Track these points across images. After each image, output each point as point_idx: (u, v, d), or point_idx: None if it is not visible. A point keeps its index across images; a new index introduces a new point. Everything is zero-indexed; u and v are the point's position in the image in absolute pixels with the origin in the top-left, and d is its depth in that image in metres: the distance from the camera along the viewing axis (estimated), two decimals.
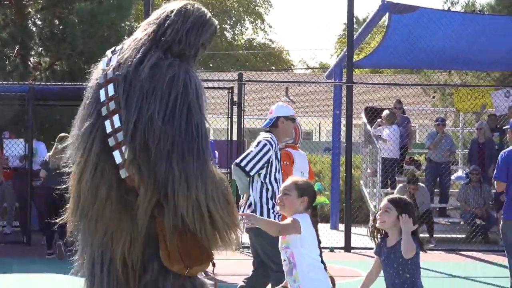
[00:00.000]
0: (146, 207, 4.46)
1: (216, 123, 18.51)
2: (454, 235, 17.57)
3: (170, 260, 4.43)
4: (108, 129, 4.50)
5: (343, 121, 16.09)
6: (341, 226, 17.37)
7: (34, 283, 11.63)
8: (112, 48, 4.83)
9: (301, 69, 63.52)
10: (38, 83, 18.14)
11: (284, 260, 5.62)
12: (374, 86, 19.57)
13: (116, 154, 4.49)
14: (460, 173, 19.46)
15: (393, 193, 16.71)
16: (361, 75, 31.40)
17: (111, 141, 4.50)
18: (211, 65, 51.96)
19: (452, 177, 18.96)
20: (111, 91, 4.54)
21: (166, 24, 4.74)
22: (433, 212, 17.24)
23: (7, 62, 21.68)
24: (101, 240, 4.56)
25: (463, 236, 17.18)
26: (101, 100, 4.56)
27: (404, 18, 17.39)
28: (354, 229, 15.83)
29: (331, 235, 16.19)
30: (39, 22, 22.63)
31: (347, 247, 15.25)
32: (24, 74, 21.02)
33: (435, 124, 18.62)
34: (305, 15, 70.21)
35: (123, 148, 4.47)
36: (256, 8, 59.10)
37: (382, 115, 18.28)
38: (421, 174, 18.70)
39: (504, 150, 9.12)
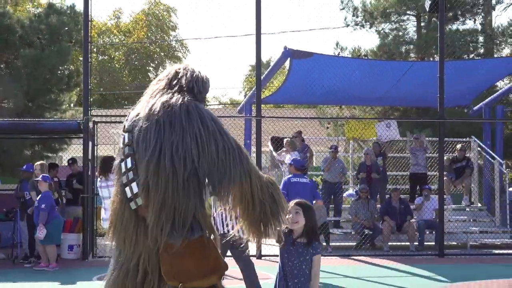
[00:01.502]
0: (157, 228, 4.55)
1: None
2: (346, 243, 17.65)
3: (165, 277, 4.51)
4: (123, 169, 4.67)
5: (253, 149, 16.24)
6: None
7: None
8: (124, 126, 4.90)
9: (215, 104, 63.64)
10: None
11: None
12: (279, 119, 19.79)
13: (127, 189, 4.65)
14: (350, 191, 19.73)
15: None
16: (267, 109, 31.75)
17: (124, 179, 4.66)
18: (136, 101, 51.29)
19: (344, 194, 19.21)
20: (128, 165, 4.66)
21: (178, 76, 4.91)
22: (329, 224, 17.37)
23: None
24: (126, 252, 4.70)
25: (354, 243, 17.34)
26: (120, 146, 4.77)
27: (302, 63, 17.50)
28: (263, 240, 15.88)
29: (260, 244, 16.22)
30: None
31: (259, 255, 15.23)
32: None
33: (329, 151, 18.86)
34: (217, 58, 70.51)
35: (132, 185, 4.60)
36: (176, 52, 58.99)
37: (284, 143, 18.49)
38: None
39: None
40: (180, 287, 4.47)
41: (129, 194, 4.64)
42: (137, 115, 4.78)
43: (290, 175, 12.32)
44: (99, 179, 10.88)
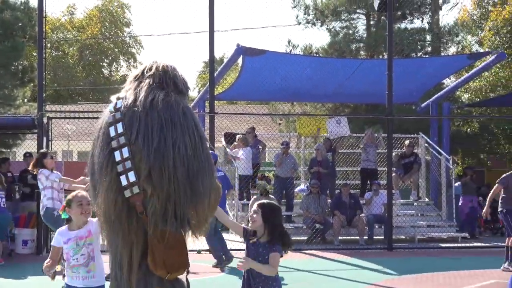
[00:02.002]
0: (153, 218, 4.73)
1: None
2: (298, 237, 17.53)
3: (155, 266, 4.69)
4: (118, 158, 4.70)
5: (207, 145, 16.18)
6: None
7: None
8: (117, 95, 5.00)
9: None
10: None
11: (83, 255, 5.79)
12: (231, 115, 19.77)
13: (123, 178, 4.70)
14: (302, 186, 19.81)
15: (247, 204, 17.03)
16: (220, 105, 31.70)
17: (120, 167, 4.70)
18: (90, 97, 51.14)
19: (296, 189, 19.26)
20: (120, 129, 4.75)
21: (161, 73, 5.05)
22: None
23: None
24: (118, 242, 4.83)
25: (305, 238, 17.35)
26: (111, 135, 4.76)
27: (254, 60, 17.57)
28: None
29: (197, 241, 16.23)
30: None
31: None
32: None
33: (281, 147, 18.88)
34: (171, 54, 70.31)
35: (129, 173, 4.67)
36: (129, 48, 58.66)
37: (236, 139, 18.51)
38: (270, 188, 18.76)
39: None
40: (168, 277, 4.75)
41: (124, 182, 4.69)
42: (129, 105, 4.86)
43: None
44: (45, 170, 11.40)
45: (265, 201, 5.86)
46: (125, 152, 4.73)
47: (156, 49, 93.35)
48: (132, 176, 4.70)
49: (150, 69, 5.11)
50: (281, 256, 5.66)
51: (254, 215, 5.67)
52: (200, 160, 4.78)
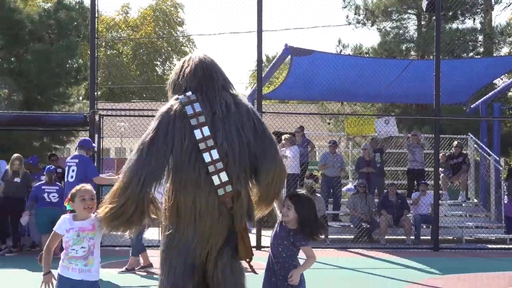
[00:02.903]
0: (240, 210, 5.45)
1: None
2: (344, 236, 17.83)
3: (246, 252, 5.52)
4: (207, 159, 5.25)
5: None
6: (253, 230, 17.69)
7: None
8: (186, 96, 5.50)
9: None
10: (1, 111, 18.10)
11: (83, 247, 5.72)
12: (280, 114, 19.85)
13: (215, 178, 5.27)
14: (349, 185, 19.87)
15: None
16: (271, 104, 31.85)
17: (211, 168, 5.26)
18: (144, 95, 51.73)
19: (343, 189, 19.37)
20: (206, 132, 5.30)
21: (215, 72, 5.69)
22: (327, 217, 17.53)
23: None
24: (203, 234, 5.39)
25: (352, 236, 17.48)
26: (197, 138, 5.29)
27: (302, 60, 17.73)
28: (264, 232, 15.93)
29: None
30: None
31: (258, 246, 15.55)
32: None
33: (328, 146, 18.93)
34: (223, 53, 70.68)
35: (220, 174, 5.26)
36: (183, 47, 59.16)
37: (283, 138, 18.55)
38: (318, 186, 18.83)
39: None
40: (248, 261, 5.56)
41: (217, 182, 5.28)
42: (207, 110, 5.45)
43: None
44: None
45: (297, 193, 5.93)
46: (215, 154, 5.30)
47: (208, 48, 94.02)
48: (224, 176, 5.28)
49: (202, 69, 5.65)
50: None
51: (287, 211, 5.77)
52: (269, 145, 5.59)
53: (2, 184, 14.79)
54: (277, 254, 5.78)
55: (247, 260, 5.54)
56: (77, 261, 5.74)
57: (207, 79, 5.62)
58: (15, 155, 15.14)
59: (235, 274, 5.48)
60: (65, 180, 12.35)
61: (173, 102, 5.51)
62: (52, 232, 5.81)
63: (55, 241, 5.81)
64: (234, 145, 5.37)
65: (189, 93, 5.48)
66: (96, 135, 15.58)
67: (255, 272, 5.57)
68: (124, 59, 55.33)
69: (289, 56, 17.80)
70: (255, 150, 5.47)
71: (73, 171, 12.09)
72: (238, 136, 5.42)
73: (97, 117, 15.64)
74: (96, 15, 15.89)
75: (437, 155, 16.95)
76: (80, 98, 31.31)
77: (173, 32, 58.49)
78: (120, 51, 55.95)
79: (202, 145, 5.27)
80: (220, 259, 5.43)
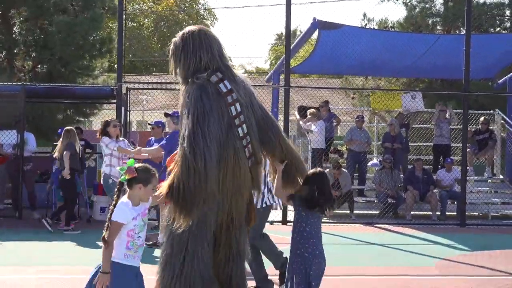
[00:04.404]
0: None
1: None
2: (370, 211, 17.83)
3: (253, 219, 6.07)
4: (241, 133, 5.65)
5: (281, 117, 16.25)
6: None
7: (26, 248, 11.87)
8: (216, 76, 5.76)
9: (241, 73, 63.44)
10: (29, 83, 18.09)
11: (143, 233, 5.45)
12: (305, 89, 19.73)
13: (246, 150, 5.72)
14: (375, 160, 19.80)
15: None
16: (294, 78, 31.76)
17: (244, 142, 5.68)
18: (164, 67, 51.54)
19: (369, 164, 19.28)
20: (238, 108, 5.65)
21: (223, 48, 6.00)
22: (353, 192, 17.53)
23: None
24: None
25: (377, 212, 17.45)
26: (233, 114, 5.64)
27: (330, 34, 17.62)
28: (289, 207, 16.02)
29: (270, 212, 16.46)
30: (23, 32, 22.59)
31: (284, 221, 15.58)
32: (10, 75, 21.07)
33: (355, 120, 18.94)
34: (243, 26, 70.44)
35: (249, 146, 5.70)
36: (204, 20, 59.00)
37: (308, 112, 18.49)
38: (343, 161, 18.83)
39: None
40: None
41: (247, 154, 5.73)
42: (235, 93, 5.77)
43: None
44: (106, 138, 12.31)
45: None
46: (245, 128, 5.67)
47: (229, 21, 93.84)
48: (250, 149, 5.74)
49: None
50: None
51: None
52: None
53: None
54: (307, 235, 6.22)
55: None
56: (140, 249, 5.44)
57: (222, 56, 5.88)
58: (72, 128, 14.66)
59: (245, 242, 6.02)
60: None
61: (200, 81, 5.67)
62: (113, 223, 5.31)
63: (117, 232, 5.32)
64: (251, 121, 5.77)
65: (218, 73, 5.73)
66: (123, 108, 15.60)
67: None
68: (145, 32, 55.28)
69: (317, 30, 17.70)
70: (263, 123, 5.91)
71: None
72: (253, 112, 5.83)
73: (124, 90, 15.65)
74: None
75: (465, 132, 16.85)
76: (103, 71, 31.31)
77: (194, 6, 58.33)
78: (142, 23, 55.88)
79: (236, 121, 5.59)
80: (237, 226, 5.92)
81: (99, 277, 5.24)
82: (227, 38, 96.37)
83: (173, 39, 6.01)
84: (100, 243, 5.36)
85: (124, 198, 5.44)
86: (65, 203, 13.90)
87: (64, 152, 13.37)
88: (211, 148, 5.36)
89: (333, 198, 6.28)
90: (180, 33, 6.00)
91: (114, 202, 5.38)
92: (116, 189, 5.47)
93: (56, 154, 13.82)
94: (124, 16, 15.94)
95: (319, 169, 6.26)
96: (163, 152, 11.58)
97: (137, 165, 5.45)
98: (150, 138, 13.62)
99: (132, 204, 5.39)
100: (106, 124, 12.45)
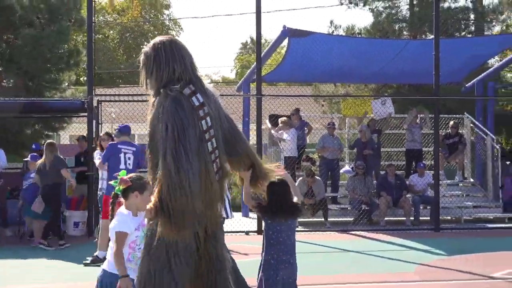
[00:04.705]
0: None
1: (141, 130, 18.88)
2: (344, 219, 17.85)
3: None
4: (210, 148, 5.48)
5: (252, 127, 16.17)
6: (252, 214, 17.65)
7: None
8: (189, 88, 5.55)
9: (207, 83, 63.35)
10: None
11: (140, 248, 5.42)
12: (272, 97, 19.66)
13: (214, 165, 5.55)
14: (347, 167, 19.83)
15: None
16: (264, 87, 31.74)
17: (213, 156, 5.51)
18: (130, 79, 51.42)
19: (341, 170, 19.23)
20: (209, 122, 5.48)
21: (193, 58, 5.78)
22: (327, 200, 17.51)
23: None
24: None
25: (352, 219, 17.47)
26: (204, 128, 5.44)
27: (300, 41, 17.63)
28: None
29: (244, 222, 16.40)
30: None
31: (259, 231, 15.26)
32: None
33: (327, 127, 18.93)
34: (208, 36, 70.44)
35: (217, 160, 5.55)
36: (169, 31, 58.87)
37: (280, 121, 18.42)
38: (315, 169, 18.73)
39: None
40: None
41: (215, 168, 5.52)
42: (205, 102, 5.59)
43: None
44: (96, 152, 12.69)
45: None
46: (214, 143, 5.51)
47: (194, 31, 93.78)
48: (218, 163, 5.58)
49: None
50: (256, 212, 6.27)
51: None
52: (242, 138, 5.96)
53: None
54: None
55: None
56: (140, 261, 5.34)
57: (193, 67, 5.69)
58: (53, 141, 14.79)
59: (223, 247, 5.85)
60: (121, 166, 12.13)
61: (174, 94, 5.50)
62: (117, 233, 5.36)
63: (123, 243, 5.36)
64: (219, 134, 5.60)
65: (190, 85, 5.55)
66: (94, 121, 15.45)
67: None
68: (111, 44, 54.99)
69: (287, 38, 17.70)
70: (229, 137, 5.76)
71: (129, 158, 12.00)
72: (221, 125, 5.66)
73: (95, 103, 15.50)
74: None
75: (437, 136, 16.97)
76: (70, 84, 31.05)
77: (159, 16, 58.21)
78: (107, 35, 55.60)
79: (207, 135, 5.44)
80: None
81: (121, 282, 5.24)
82: (192, 48, 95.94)
83: (144, 49, 5.84)
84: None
85: (123, 210, 5.45)
86: (53, 216, 13.75)
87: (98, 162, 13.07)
88: (193, 164, 5.27)
89: (296, 205, 6.17)
90: (151, 43, 5.83)
91: (110, 216, 5.47)
92: (110, 202, 5.52)
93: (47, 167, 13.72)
94: (94, 28, 15.80)
95: (277, 177, 6.12)
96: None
97: (130, 175, 5.54)
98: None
99: (133, 214, 5.47)
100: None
